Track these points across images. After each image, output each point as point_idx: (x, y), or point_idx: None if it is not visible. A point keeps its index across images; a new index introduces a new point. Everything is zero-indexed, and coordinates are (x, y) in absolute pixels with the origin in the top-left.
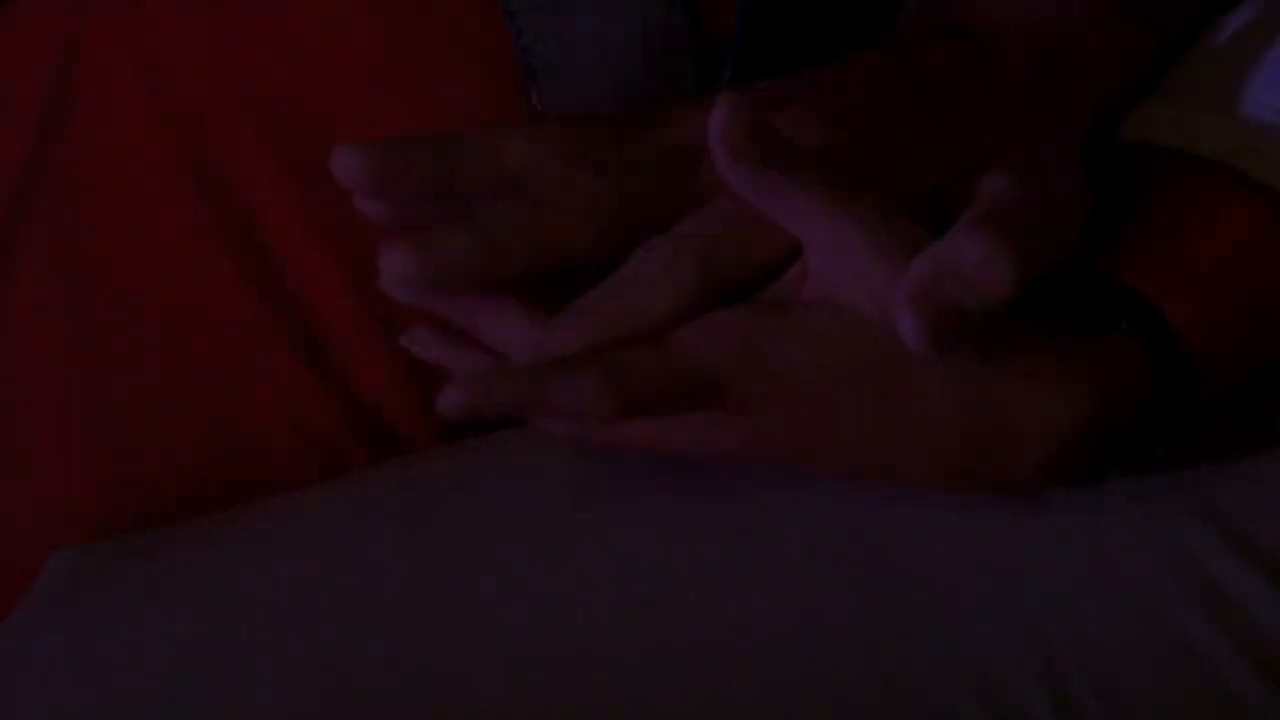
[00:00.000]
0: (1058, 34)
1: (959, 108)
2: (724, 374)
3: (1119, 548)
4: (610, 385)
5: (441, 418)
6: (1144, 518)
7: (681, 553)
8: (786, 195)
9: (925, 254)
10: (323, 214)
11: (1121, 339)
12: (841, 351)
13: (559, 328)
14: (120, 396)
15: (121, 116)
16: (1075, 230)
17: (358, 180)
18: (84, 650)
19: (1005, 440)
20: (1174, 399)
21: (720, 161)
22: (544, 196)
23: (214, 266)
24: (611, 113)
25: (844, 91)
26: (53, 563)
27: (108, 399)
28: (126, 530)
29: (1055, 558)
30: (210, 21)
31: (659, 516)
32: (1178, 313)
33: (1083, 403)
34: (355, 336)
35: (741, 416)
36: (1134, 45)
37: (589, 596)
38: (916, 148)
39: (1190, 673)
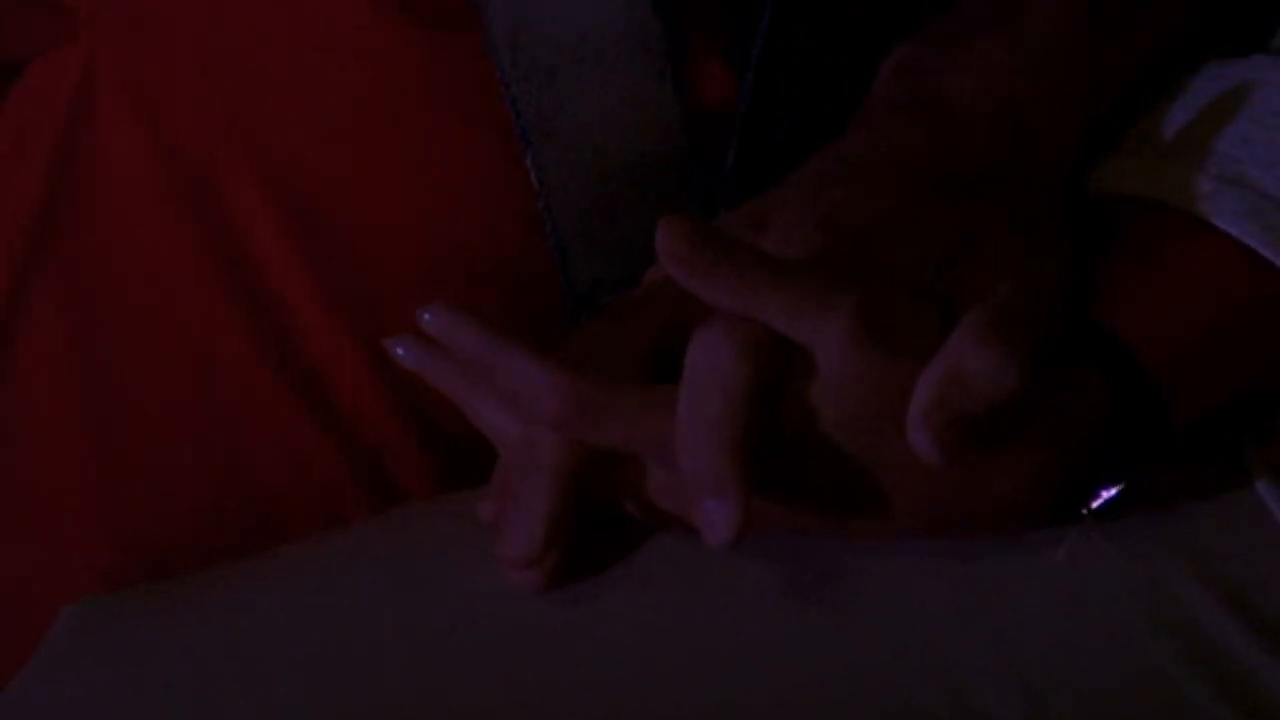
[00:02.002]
0: (1026, 94)
1: (939, 189)
2: None
3: (1096, 582)
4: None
5: (440, 467)
6: (1120, 554)
7: (665, 578)
8: (743, 290)
9: (930, 368)
10: (326, 269)
11: (1089, 373)
12: (822, 416)
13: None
14: (130, 449)
15: (129, 176)
16: (1060, 297)
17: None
18: (98, 703)
19: (979, 482)
20: (1143, 429)
21: (677, 278)
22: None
23: (221, 322)
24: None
25: (827, 191)
26: (65, 616)
27: (118, 451)
28: (137, 581)
29: (1036, 586)
30: (217, 83)
31: (643, 559)
32: (1140, 343)
33: (1055, 439)
34: (357, 388)
35: None
36: (1109, 72)
37: (581, 634)
38: (905, 234)
39: (1164, 704)
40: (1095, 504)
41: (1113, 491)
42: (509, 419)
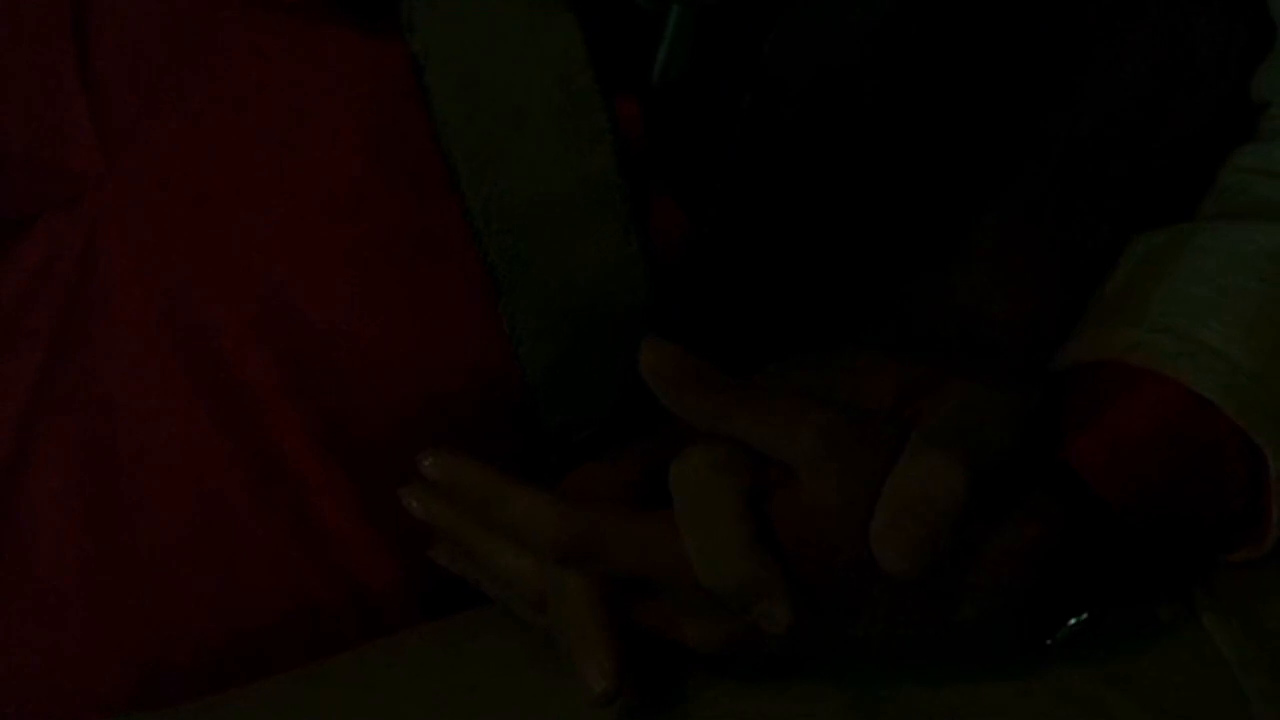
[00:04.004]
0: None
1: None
2: None
3: (1045, 713)
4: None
5: (428, 601)
6: (1069, 685)
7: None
8: (717, 407)
9: (888, 486)
10: (319, 412)
11: (1048, 502)
12: (795, 532)
13: None
14: (131, 582)
15: (131, 328)
16: (1013, 429)
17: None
18: None
19: (942, 607)
20: (1102, 559)
21: (658, 393)
22: None
23: (219, 465)
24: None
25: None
26: None
27: (119, 585)
28: (132, 709)
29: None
30: (216, 238)
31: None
32: (1093, 477)
33: (1015, 565)
34: (348, 526)
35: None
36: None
37: None
38: (871, 369)
39: None
40: (1059, 634)
41: (1075, 621)
42: (520, 559)
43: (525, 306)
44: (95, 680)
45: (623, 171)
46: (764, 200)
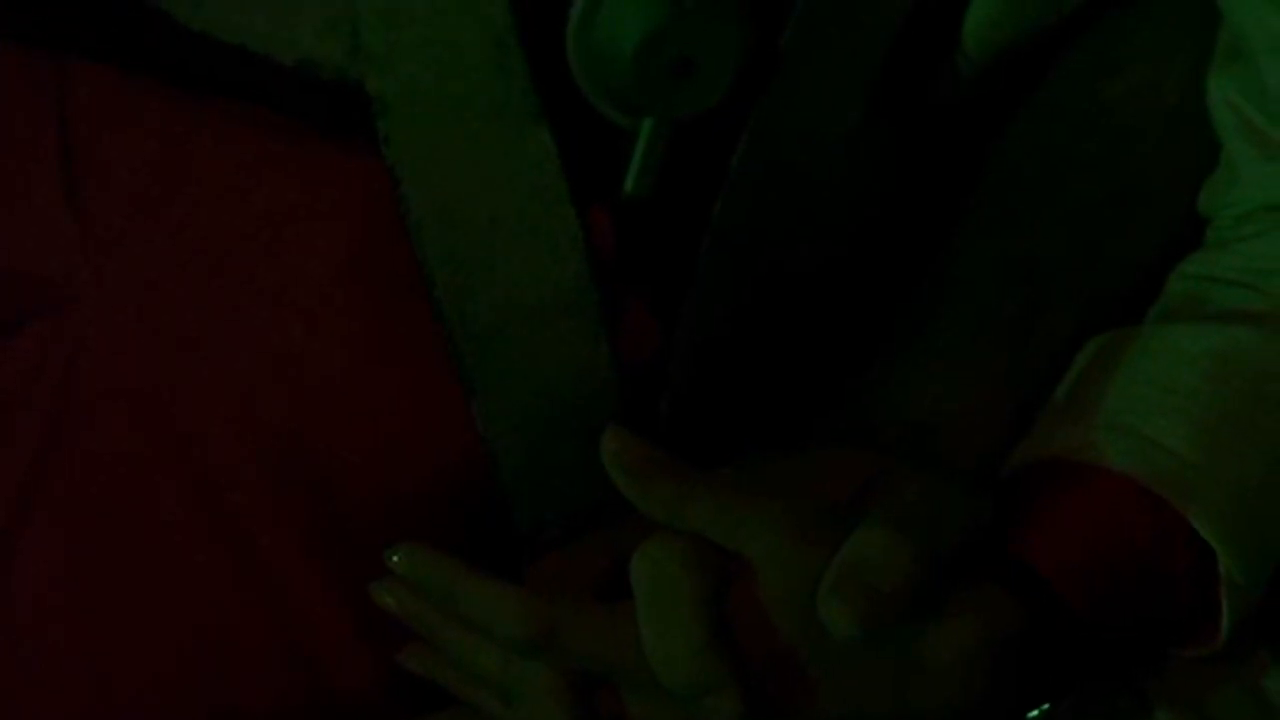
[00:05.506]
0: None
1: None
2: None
3: None
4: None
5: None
6: None
7: None
8: (676, 499)
9: (837, 556)
10: (299, 512)
11: (1000, 592)
12: (753, 621)
13: None
14: (116, 678)
15: (116, 432)
16: (961, 522)
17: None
18: None
19: (901, 696)
20: (1058, 649)
21: (618, 482)
22: None
23: (201, 563)
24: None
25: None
26: None
27: (104, 679)
28: None
29: None
30: (197, 345)
31: None
32: (1046, 570)
33: (971, 654)
34: (328, 624)
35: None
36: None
37: None
38: (825, 469)
39: None
40: None
41: (1036, 713)
42: (486, 652)
43: (497, 408)
44: None
45: (595, 279)
46: (731, 305)
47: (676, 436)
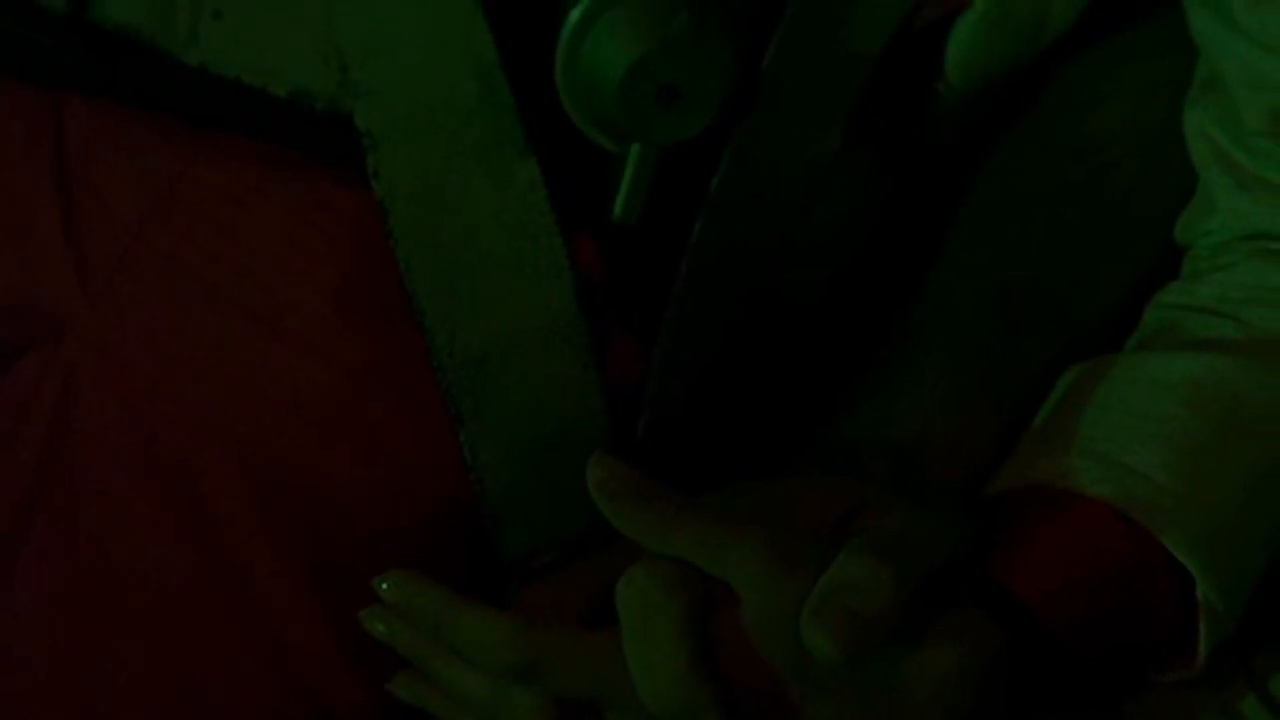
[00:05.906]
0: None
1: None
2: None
3: None
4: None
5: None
6: None
7: None
8: (660, 525)
9: (822, 579)
10: (293, 543)
11: (980, 616)
12: (736, 655)
13: None
14: (112, 706)
15: (112, 462)
16: (941, 547)
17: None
18: None
19: (898, 695)
20: (1039, 671)
21: (603, 508)
22: None
23: (197, 596)
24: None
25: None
26: None
27: (100, 708)
28: None
29: None
30: (193, 379)
31: None
32: (1025, 593)
33: (951, 679)
34: (323, 658)
35: None
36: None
37: None
38: (810, 493)
39: None
40: None
41: None
42: (474, 679)
43: (485, 436)
44: None
45: (582, 308)
46: (708, 327)
47: (655, 458)
